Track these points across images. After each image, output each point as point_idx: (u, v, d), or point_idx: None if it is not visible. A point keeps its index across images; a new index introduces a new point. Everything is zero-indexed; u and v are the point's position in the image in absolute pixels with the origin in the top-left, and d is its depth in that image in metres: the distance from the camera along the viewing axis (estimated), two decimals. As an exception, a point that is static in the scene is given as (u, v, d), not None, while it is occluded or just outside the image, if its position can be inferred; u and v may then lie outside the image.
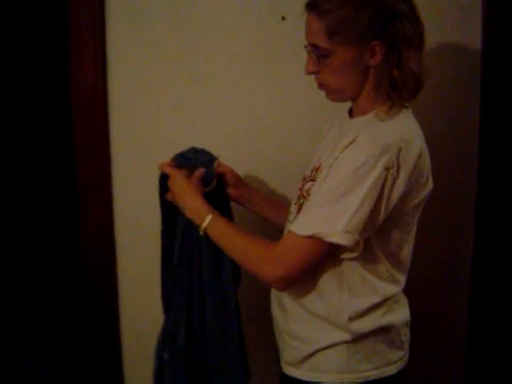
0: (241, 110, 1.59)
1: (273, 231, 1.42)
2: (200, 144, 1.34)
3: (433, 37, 1.51)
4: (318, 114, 1.57)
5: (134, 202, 1.63)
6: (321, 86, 1.16)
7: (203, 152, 1.33)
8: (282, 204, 1.45)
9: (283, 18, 1.54)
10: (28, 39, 2.03)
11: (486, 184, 1.63)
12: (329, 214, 1.03)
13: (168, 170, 1.28)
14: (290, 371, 1.22)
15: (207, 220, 1.17)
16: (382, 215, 1.06)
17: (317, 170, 1.20)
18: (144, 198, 1.61)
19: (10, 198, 3.03)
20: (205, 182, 1.28)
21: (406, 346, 1.23)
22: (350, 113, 1.23)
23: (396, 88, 1.09)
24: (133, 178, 1.62)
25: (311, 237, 1.04)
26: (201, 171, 1.27)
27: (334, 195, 1.03)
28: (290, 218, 1.26)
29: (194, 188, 1.24)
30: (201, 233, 1.18)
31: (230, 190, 1.36)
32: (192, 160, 1.30)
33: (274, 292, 1.29)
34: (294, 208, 1.25)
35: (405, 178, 1.05)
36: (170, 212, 1.31)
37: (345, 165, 1.04)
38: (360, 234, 1.04)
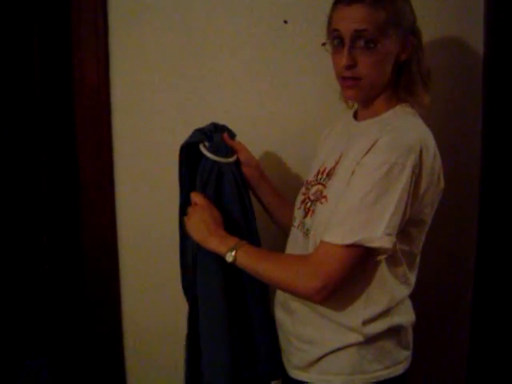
0: (243, 113, 1.59)
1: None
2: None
3: (433, 36, 1.54)
4: (319, 116, 1.58)
5: (136, 204, 1.63)
6: (352, 81, 1.12)
7: (222, 128, 1.32)
8: (287, 202, 1.42)
9: (285, 22, 1.54)
10: (30, 41, 2.03)
11: (489, 185, 1.63)
12: (367, 219, 1.02)
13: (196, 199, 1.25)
14: (298, 375, 1.20)
15: (235, 247, 1.14)
16: (407, 215, 1.07)
17: (323, 173, 1.20)
18: (147, 200, 1.62)
19: (13, 199, 3.03)
20: (220, 150, 1.27)
21: (411, 345, 1.24)
22: (355, 115, 1.24)
23: (426, 83, 1.14)
24: (135, 179, 1.62)
25: (352, 245, 1.03)
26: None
27: (367, 200, 1.02)
28: (295, 223, 1.25)
29: (214, 217, 1.21)
30: (229, 260, 1.14)
31: (243, 168, 1.33)
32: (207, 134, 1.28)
33: (278, 294, 1.28)
34: (298, 213, 1.24)
35: (425, 178, 1.06)
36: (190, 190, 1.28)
37: (373, 169, 1.03)
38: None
